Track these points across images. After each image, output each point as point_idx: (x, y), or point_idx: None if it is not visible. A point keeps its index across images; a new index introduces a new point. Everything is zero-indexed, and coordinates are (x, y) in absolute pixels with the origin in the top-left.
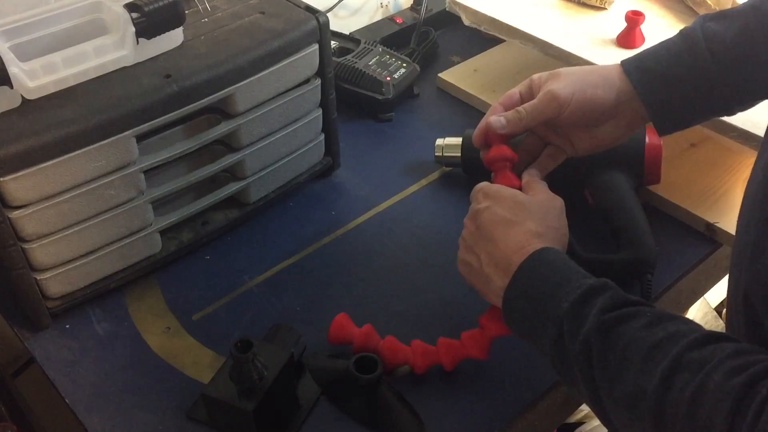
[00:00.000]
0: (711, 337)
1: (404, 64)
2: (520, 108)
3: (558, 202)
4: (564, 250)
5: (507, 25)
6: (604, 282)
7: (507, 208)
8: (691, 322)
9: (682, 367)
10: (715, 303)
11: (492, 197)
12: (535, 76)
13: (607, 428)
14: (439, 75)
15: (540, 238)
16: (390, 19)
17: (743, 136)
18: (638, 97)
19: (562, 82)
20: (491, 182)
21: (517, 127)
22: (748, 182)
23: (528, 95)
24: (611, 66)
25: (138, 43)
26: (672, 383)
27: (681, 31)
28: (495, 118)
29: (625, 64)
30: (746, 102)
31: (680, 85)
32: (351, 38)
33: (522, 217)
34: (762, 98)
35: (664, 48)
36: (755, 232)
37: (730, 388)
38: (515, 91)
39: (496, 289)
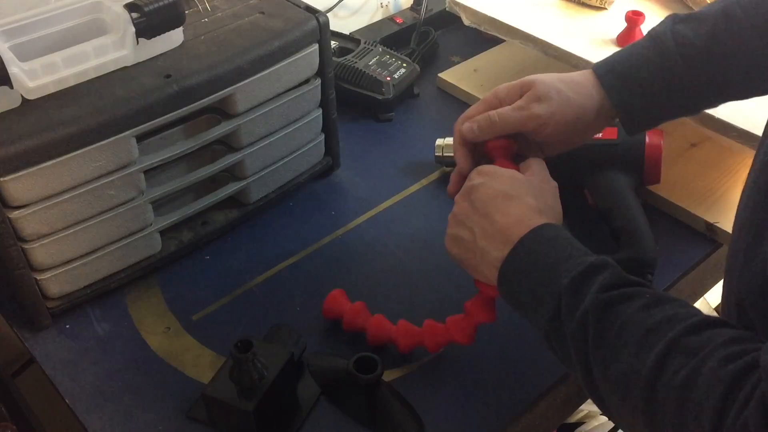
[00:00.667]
0: (708, 322)
1: (404, 64)
2: (492, 114)
3: (553, 184)
4: None
5: (507, 25)
6: (605, 260)
7: (503, 183)
8: (689, 305)
9: (677, 351)
10: (715, 303)
11: (487, 174)
12: (528, 78)
13: (599, 407)
14: (439, 75)
15: (540, 213)
16: (390, 19)
17: (743, 136)
18: (610, 101)
19: (544, 103)
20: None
21: (488, 133)
22: (743, 189)
23: (512, 98)
24: (584, 72)
25: (138, 43)
26: (666, 367)
27: (650, 33)
28: (467, 126)
29: (597, 68)
30: (713, 103)
31: (651, 88)
32: (351, 38)
33: (520, 192)
34: (729, 99)
35: (634, 51)
36: (746, 239)
37: (723, 375)
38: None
39: (492, 261)
